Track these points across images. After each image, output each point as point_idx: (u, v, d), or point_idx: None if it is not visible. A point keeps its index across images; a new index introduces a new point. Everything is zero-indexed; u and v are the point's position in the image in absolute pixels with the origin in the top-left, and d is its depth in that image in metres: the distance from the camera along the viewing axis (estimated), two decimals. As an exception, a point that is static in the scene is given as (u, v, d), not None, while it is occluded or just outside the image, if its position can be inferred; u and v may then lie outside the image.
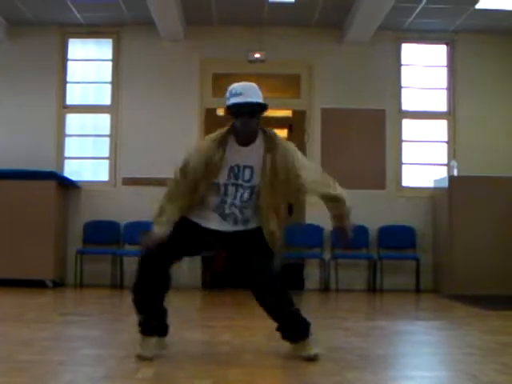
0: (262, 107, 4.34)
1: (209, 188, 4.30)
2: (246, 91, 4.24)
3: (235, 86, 4.27)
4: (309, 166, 4.47)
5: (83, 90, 11.38)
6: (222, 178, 4.29)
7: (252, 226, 4.43)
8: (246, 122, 4.20)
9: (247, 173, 4.30)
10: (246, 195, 4.33)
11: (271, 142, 4.32)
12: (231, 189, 4.31)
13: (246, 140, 4.30)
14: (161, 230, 4.23)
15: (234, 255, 4.51)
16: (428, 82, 11.34)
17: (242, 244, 4.38)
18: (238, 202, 4.33)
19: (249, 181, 4.31)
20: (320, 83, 11.03)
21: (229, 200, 4.33)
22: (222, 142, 4.28)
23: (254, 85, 4.37)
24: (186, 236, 4.36)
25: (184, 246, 4.39)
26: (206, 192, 4.31)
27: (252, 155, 4.30)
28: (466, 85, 11.11)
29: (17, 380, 3.59)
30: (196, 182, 4.26)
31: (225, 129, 4.35)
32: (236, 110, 4.20)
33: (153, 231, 4.25)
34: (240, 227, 4.41)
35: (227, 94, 4.26)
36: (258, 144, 4.33)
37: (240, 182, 4.30)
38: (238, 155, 4.29)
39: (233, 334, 5.55)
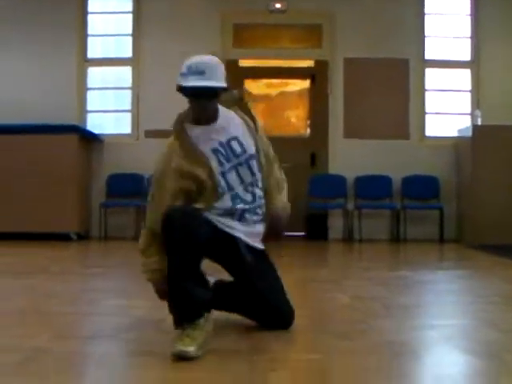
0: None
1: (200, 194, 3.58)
2: (209, 69, 3.52)
3: (197, 62, 3.54)
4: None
5: (104, 43, 11.34)
6: (212, 171, 3.58)
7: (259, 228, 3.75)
8: (205, 105, 3.58)
9: (235, 145, 3.67)
10: (254, 169, 3.71)
11: (247, 114, 3.80)
12: (231, 176, 3.64)
13: (206, 121, 3.65)
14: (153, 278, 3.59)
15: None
16: (451, 30, 11.20)
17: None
18: (246, 184, 3.69)
19: (244, 152, 3.68)
20: (342, 33, 10.92)
21: (238, 191, 3.66)
22: (178, 135, 3.65)
23: (216, 61, 3.64)
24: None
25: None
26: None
27: (224, 128, 3.68)
28: (490, 33, 10.96)
29: (42, 330, 3.63)
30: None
31: (175, 120, 3.72)
32: (194, 93, 3.52)
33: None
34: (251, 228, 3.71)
35: (184, 69, 3.54)
36: (230, 116, 3.74)
37: (235, 160, 3.65)
38: (212, 135, 3.65)
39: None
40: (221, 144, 3.63)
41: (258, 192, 3.73)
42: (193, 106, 3.59)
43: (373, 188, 10.68)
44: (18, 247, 9.02)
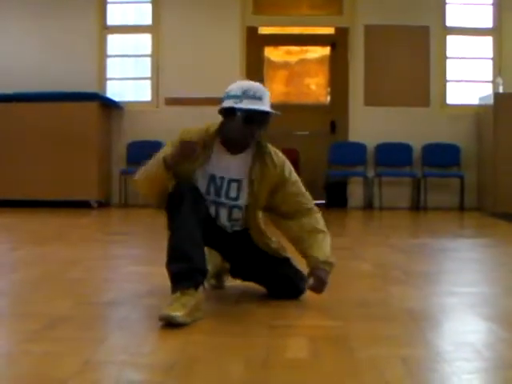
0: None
1: None
2: (265, 97, 3.39)
3: (252, 87, 3.39)
4: (299, 187, 3.63)
5: (124, 10, 11.31)
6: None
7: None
8: (254, 131, 3.41)
9: (233, 188, 3.52)
10: (234, 215, 3.57)
11: (262, 149, 3.53)
12: (211, 208, 3.52)
13: (237, 149, 3.53)
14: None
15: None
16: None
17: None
18: (225, 221, 3.59)
19: (235, 199, 3.53)
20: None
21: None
22: (206, 145, 3.46)
23: (268, 91, 3.46)
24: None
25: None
26: None
27: (240, 166, 3.53)
28: (513, -1, 10.85)
29: (63, 297, 3.66)
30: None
31: (212, 129, 3.50)
32: (248, 117, 3.36)
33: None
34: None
35: (237, 92, 3.37)
36: (247, 152, 3.55)
37: (223, 199, 3.51)
38: (224, 165, 3.51)
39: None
40: (221, 179, 3.50)
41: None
42: (237, 131, 3.42)
43: (393, 156, 10.63)
44: (39, 215, 9.07)
